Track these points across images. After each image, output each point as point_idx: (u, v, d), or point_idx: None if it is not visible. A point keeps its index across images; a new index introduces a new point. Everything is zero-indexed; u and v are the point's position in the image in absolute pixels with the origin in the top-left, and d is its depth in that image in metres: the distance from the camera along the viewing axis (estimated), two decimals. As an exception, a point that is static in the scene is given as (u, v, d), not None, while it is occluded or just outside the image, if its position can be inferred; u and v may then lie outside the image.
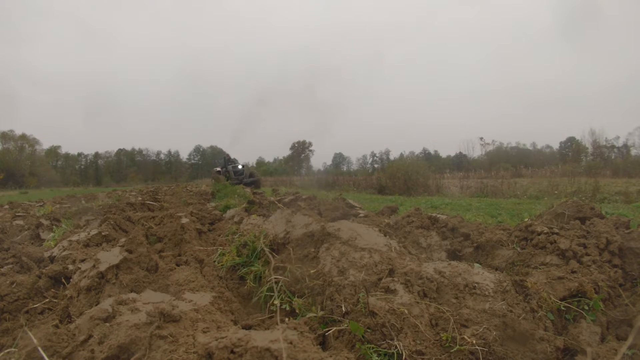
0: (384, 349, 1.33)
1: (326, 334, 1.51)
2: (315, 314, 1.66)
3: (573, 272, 1.85)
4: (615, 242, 1.98)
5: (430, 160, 47.88)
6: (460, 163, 48.94)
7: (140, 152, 68.26)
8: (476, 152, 55.06)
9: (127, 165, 65.97)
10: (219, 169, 21.56)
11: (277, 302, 1.97)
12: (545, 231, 2.21)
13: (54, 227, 4.04)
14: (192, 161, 71.60)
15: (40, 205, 7.81)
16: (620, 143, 41.20)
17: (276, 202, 4.00)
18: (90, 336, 1.37)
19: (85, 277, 2.03)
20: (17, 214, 5.56)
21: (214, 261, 2.66)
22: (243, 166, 21.31)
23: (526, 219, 2.61)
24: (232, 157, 22.45)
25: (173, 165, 68.99)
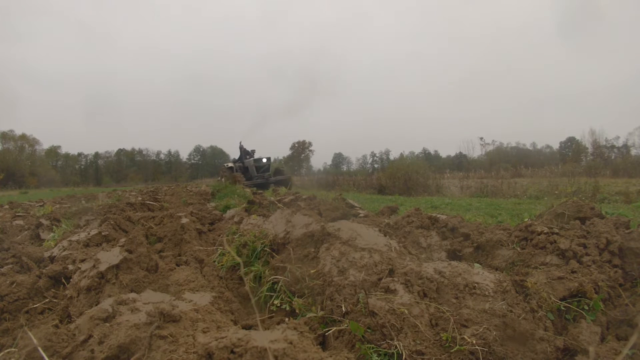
0: (384, 349, 1.32)
1: (326, 334, 1.51)
2: (315, 314, 1.66)
3: (573, 272, 1.85)
4: (615, 242, 1.98)
5: (430, 160, 47.86)
6: (460, 163, 48.93)
7: (140, 152, 68.27)
8: (476, 152, 55.04)
9: (127, 165, 65.99)
10: (230, 164, 16.50)
11: (277, 302, 1.97)
12: (545, 231, 2.21)
13: (54, 227, 4.04)
14: (192, 161, 71.59)
15: (40, 205, 7.82)
16: (620, 143, 41.20)
17: (276, 202, 4.01)
18: (90, 336, 1.37)
19: (85, 277, 2.03)
20: (17, 214, 5.57)
21: (214, 261, 2.66)
22: (268, 159, 15.90)
23: (526, 219, 2.62)
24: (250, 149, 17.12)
25: (173, 165, 68.99)
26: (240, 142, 16.77)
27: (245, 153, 16.85)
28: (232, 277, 2.42)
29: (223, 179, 15.28)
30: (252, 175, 15.03)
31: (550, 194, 8.25)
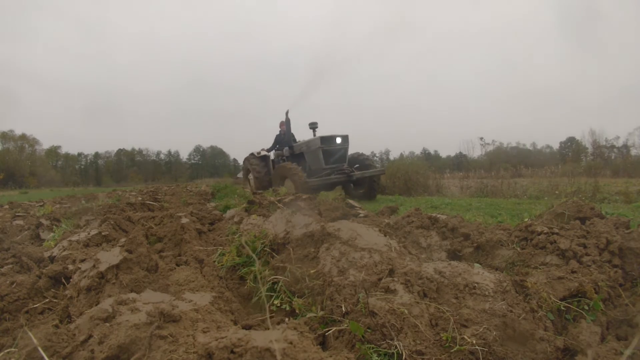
0: (384, 349, 1.32)
1: (326, 334, 1.51)
2: (315, 314, 1.66)
3: (573, 272, 1.85)
4: (615, 242, 1.98)
5: (430, 160, 47.83)
6: (460, 163, 48.93)
7: (140, 152, 68.35)
8: (476, 152, 55.13)
9: (127, 165, 66.04)
10: (264, 151, 9.69)
11: (276, 302, 1.97)
12: (545, 231, 2.21)
13: (54, 227, 4.04)
14: (192, 161, 71.64)
15: (40, 205, 7.81)
16: (620, 143, 41.24)
17: (276, 202, 4.00)
18: (90, 336, 1.37)
19: (85, 277, 2.03)
20: (17, 214, 5.56)
21: (214, 261, 2.66)
22: (345, 138, 8.53)
23: (526, 219, 2.61)
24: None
25: (173, 165, 69.05)
26: (286, 112, 9.25)
27: (285, 135, 9.49)
28: (232, 277, 2.42)
29: (250, 177, 9.57)
30: (318, 167, 8.10)
31: (550, 194, 8.24)
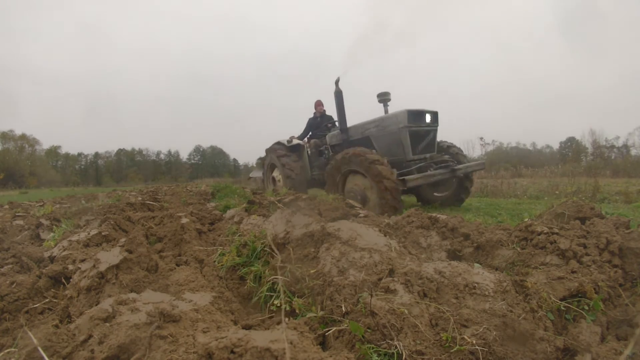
0: (384, 349, 1.32)
1: (326, 334, 1.51)
2: (315, 314, 1.66)
3: (573, 272, 1.85)
4: (615, 242, 1.98)
5: (430, 160, 47.67)
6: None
7: (140, 152, 68.43)
8: (476, 152, 55.11)
9: (127, 165, 66.10)
10: (296, 139, 7.03)
11: (277, 302, 1.97)
12: (545, 231, 2.21)
13: (54, 227, 4.04)
14: (192, 161, 71.69)
15: (40, 205, 7.81)
16: (620, 143, 41.25)
17: (276, 202, 4.00)
18: (90, 336, 1.37)
19: (85, 277, 2.03)
20: (17, 214, 5.56)
21: (214, 261, 2.66)
22: (434, 116, 5.44)
23: (526, 219, 2.61)
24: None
25: (173, 165, 69.10)
26: (336, 82, 5.78)
27: (340, 106, 5.89)
28: (232, 277, 2.42)
29: (276, 176, 7.24)
30: (399, 158, 5.26)
31: (550, 194, 8.24)
